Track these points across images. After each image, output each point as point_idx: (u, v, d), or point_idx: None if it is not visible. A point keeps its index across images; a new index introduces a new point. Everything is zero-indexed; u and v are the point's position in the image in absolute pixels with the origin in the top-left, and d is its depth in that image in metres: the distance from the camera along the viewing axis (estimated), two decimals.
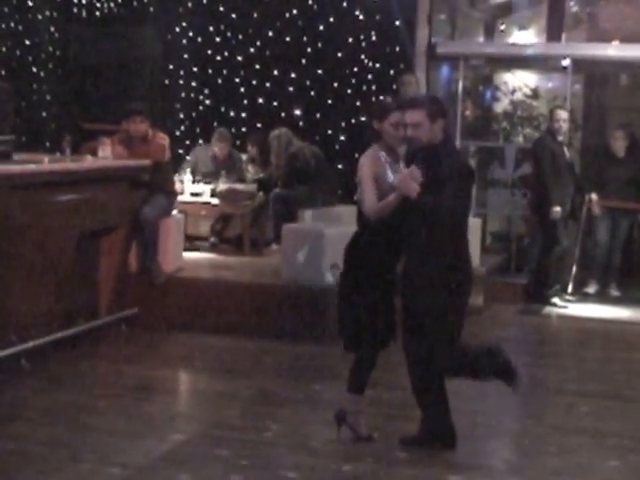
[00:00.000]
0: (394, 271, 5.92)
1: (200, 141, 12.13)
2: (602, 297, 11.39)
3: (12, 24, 12.94)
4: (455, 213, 5.71)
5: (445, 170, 5.63)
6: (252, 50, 12.48)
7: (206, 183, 11.09)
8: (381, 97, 6.36)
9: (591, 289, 11.53)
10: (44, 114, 12.98)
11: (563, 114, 11.09)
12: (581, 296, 11.28)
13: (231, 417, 6.60)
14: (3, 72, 12.00)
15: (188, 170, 11.13)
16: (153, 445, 5.92)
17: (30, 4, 12.95)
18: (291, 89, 12.36)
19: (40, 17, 12.98)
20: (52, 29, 13.03)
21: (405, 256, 5.87)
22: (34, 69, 13.01)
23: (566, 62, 12.21)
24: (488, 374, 6.03)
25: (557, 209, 10.75)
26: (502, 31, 14.24)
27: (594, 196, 11.27)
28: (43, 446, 5.87)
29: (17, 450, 5.79)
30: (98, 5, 12.92)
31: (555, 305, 10.90)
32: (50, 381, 7.24)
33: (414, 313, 5.82)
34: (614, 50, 12.22)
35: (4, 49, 12.71)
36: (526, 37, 13.82)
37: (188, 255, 10.19)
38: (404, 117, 5.78)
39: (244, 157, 11.68)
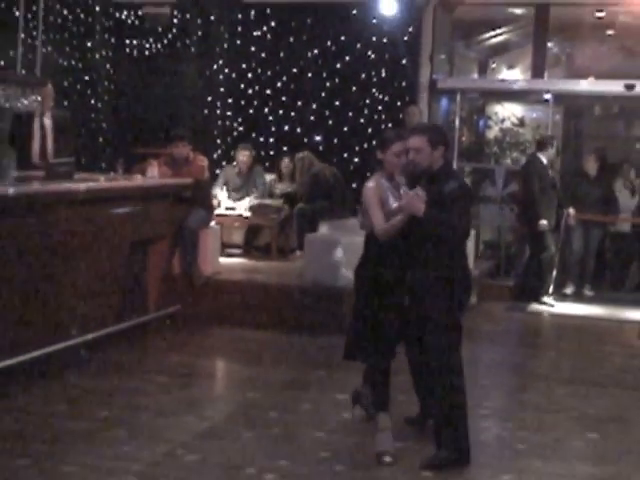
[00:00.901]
0: (400, 286, 5.50)
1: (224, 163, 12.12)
2: (578, 297, 11.36)
3: (73, 62, 12.95)
4: (459, 230, 5.39)
5: (448, 192, 5.31)
6: (279, 84, 12.49)
7: (235, 200, 11.07)
8: (387, 128, 5.86)
9: (568, 290, 11.49)
10: (100, 139, 13.00)
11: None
12: (560, 296, 11.24)
13: (261, 399, 6.60)
14: (65, 103, 12.00)
15: (224, 188, 11.14)
16: (194, 423, 5.92)
17: (89, 45, 12.98)
18: (312, 118, 12.36)
19: (97, 56, 13.01)
20: (107, 66, 13.05)
21: (411, 271, 5.49)
22: (92, 101, 13.02)
23: (548, 96, 12.19)
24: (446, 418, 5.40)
25: (544, 222, 10.74)
26: (493, 69, 14.27)
27: (571, 210, 11.23)
28: (101, 424, 5.87)
29: (78, 429, 5.79)
30: (147, 46, 12.94)
31: (546, 304, 10.85)
32: (106, 368, 7.24)
33: (424, 325, 5.42)
34: (589, 85, 12.19)
35: (66, 83, 12.73)
36: (514, 74, 13.84)
37: (224, 260, 10.20)
38: (405, 145, 5.45)
39: (267, 177, 11.60)
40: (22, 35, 10.23)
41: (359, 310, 5.64)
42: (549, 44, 12.91)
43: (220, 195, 11.03)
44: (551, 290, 11.15)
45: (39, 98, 9.70)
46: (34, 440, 5.54)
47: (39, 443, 5.49)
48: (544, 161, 10.94)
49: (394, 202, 5.47)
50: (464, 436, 5.34)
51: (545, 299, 10.93)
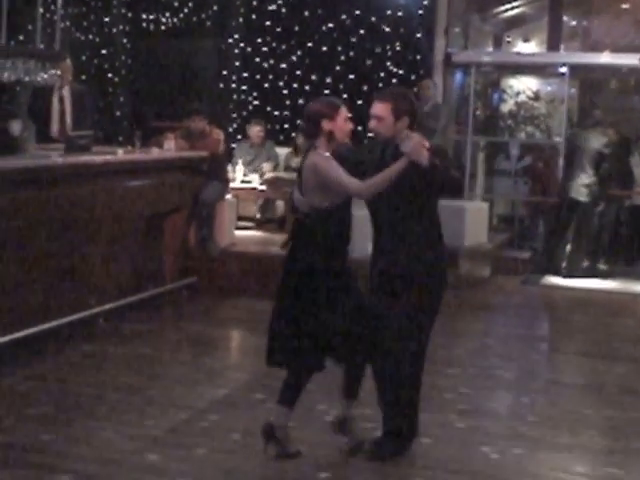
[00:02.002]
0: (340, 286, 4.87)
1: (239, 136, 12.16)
2: (592, 271, 11.38)
3: (90, 37, 13.02)
4: (463, 185, 4.88)
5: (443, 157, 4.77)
6: (294, 58, 12.50)
7: (250, 172, 11.12)
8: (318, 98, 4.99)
9: (583, 264, 11.51)
10: (118, 113, 13.07)
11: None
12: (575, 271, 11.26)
13: (276, 369, 6.68)
14: (83, 77, 12.06)
15: (240, 161, 11.20)
16: (211, 391, 6.02)
17: (106, 20, 13.03)
18: (327, 92, 12.37)
19: (114, 30, 13.06)
20: (125, 40, 13.10)
21: (389, 252, 4.97)
22: (109, 75, 13.09)
23: (563, 69, 12.15)
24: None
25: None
26: (508, 42, 14.20)
27: None
28: (120, 392, 5.98)
29: (99, 395, 5.91)
30: (164, 20, 12.96)
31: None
32: (124, 338, 7.35)
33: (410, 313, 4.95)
34: (605, 58, 12.14)
35: (84, 58, 12.79)
36: (529, 47, 13.78)
37: (239, 232, 10.27)
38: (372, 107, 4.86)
39: (282, 150, 11.61)
40: (41, 10, 10.29)
41: (288, 309, 4.88)
42: (565, 17, 12.86)
43: (236, 168, 11.09)
44: (564, 264, 11.17)
45: (58, 72, 9.77)
46: (53, 407, 5.66)
47: (58, 410, 5.60)
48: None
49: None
50: (412, 424, 5.07)
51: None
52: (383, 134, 4.85)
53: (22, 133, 8.96)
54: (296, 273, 4.88)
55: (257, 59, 12.64)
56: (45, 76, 9.69)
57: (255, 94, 12.67)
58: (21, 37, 11.48)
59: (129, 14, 13.08)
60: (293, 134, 11.79)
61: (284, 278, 4.96)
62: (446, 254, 5.10)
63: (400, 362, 4.94)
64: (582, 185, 10.86)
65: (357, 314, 4.87)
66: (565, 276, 10.92)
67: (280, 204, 11.30)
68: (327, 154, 4.80)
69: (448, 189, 4.93)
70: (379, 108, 4.82)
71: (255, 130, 11.31)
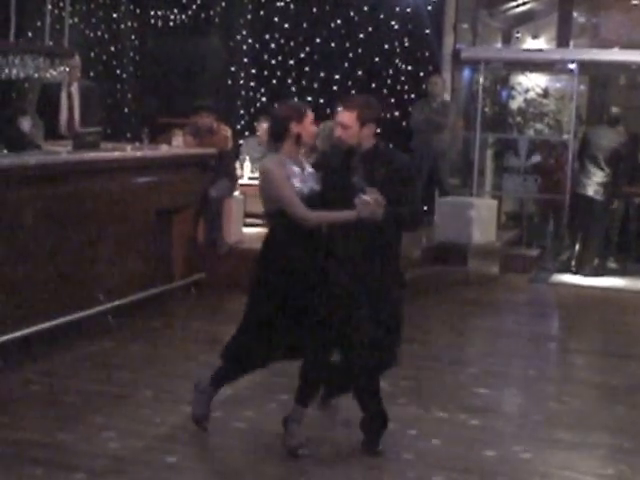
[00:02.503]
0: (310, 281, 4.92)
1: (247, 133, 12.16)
2: (602, 269, 11.36)
3: (99, 33, 13.03)
4: (421, 217, 5.16)
5: (398, 170, 4.96)
6: (302, 55, 12.50)
7: (255, 170, 11.09)
8: (287, 101, 5.06)
9: (593, 262, 11.48)
10: (126, 110, 13.08)
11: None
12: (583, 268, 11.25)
13: (283, 367, 6.65)
14: (92, 74, 12.08)
15: (247, 158, 11.20)
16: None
17: (114, 16, 13.05)
18: (335, 88, 12.37)
19: (123, 27, 13.08)
20: (133, 37, 13.12)
21: (362, 261, 4.98)
22: (117, 71, 13.11)
23: (573, 65, 12.12)
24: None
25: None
26: (517, 38, 14.19)
27: None
28: (130, 389, 6.01)
29: (108, 392, 5.93)
30: (171, 17, 12.97)
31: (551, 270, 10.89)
32: (132, 334, 7.36)
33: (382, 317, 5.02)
34: (615, 55, 12.13)
35: (92, 54, 12.81)
36: (538, 43, 13.77)
37: (247, 229, 10.28)
38: (338, 115, 4.98)
39: None
40: (49, 6, 10.28)
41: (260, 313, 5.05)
42: (574, 13, 12.84)
43: (244, 165, 11.09)
44: (573, 262, 11.16)
45: (66, 69, 9.78)
46: (62, 403, 5.68)
47: (69, 407, 5.62)
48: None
49: (301, 185, 4.91)
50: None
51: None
52: (348, 142, 4.94)
53: (31, 129, 9.00)
54: (262, 272, 5.05)
55: (265, 56, 12.63)
56: (54, 73, 9.68)
57: (263, 91, 12.67)
58: (30, 34, 11.49)
59: (137, 11, 13.09)
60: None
61: (252, 277, 5.13)
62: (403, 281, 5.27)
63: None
64: (597, 183, 10.82)
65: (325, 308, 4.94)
66: (575, 274, 10.91)
67: None
68: (287, 160, 4.90)
69: (402, 227, 5.07)
70: (345, 116, 4.92)
71: (264, 127, 11.30)
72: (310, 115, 4.97)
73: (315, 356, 4.98)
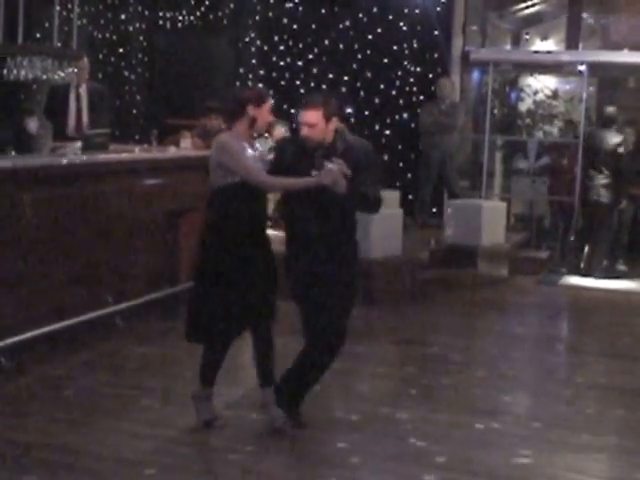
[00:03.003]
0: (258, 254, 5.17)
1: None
2: (611, 271, 11.34)
3: (107, 35, 13.07)
4: (380, 202, 5.23)
5: (360, 157, 5.12)
6: (310, 56, 12.50)
7: None
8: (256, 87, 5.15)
9: (602, 264, 11.47)
10: (134, 111, 13.11)
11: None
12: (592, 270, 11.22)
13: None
14: (100, 76, 12.10)
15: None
16: (227, 391, 5.95)
17: (122, 17, 13.07)
18: (344, 90, 12.38)
19: (131, 28, 13.11)
20: (141, 38, 13.14)
21: (320, 243, 5.14)
22: (126, 73, 13.13)
23: (582, 67, 12.11)
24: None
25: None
26: (527, 40, 14.17)
27: None
28: (138, 391, 6.01)
29: (116, 394, 5.94)
30: (180, 18, 13.00)
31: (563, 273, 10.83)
32: (140, 337, 7.37)
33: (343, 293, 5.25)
34: (624, 56, 12.11)
35: (101, 56, 12.84)
36: (547, 45, 13.75)
37: None
38: (301, 115, 5.08)
39: None
40: (58, 8, 10.31)
41: (208, 286, 5.15)
42: (584, 15, 12.82)
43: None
44: (583, 264, 11.13)
45: (75, 70, 9.80)
46: (71, 407, 5.69)
47: (77, 410, 5.63)
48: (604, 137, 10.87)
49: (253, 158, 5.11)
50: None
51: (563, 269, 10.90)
52: (315, 139, 5.07)
53: (38, 131, 9.01)
54: (208, 253, 5.14)
55: (274, 57, 12.65)
56: (62, 74, 9.71)
57: (271, 92, 12.64)
58: (38, 35, 11.52)
59: (146, 12, 13.12)
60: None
61: (197, 259, 5.25)
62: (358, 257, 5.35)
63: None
64: (599, 186, 10.81)
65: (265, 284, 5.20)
66: (584, 276, 10.89)
67: None
68: (238, 140, 5.05)
69: (362, 208, 5.27)
70: (312, 116, 5.06)
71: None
72: (269, 103, 5.14)
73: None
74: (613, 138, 10.86)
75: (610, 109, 11.23)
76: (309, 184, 4.97)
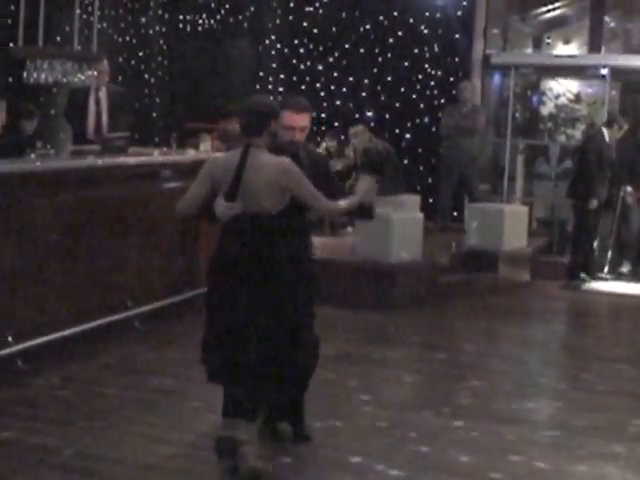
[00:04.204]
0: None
1: None
2: (634, 276, 11.23)
3: (127, 38, 13.10)
4: None
5: (328, 166, 5.24)
6: (331, 60, 12.49)
7: None
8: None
9: (625, 269, 11.35)
10: (154, 114, 13.13)
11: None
12: (616, 275, 11.12)
13: (315, 373, 6.65)
14: (120, 79, 12.12)
15: None
16: None
17: (143, 20, 13.10)
18: (364, 94, 12.35)
19: (151, 32, 13.13)
20: (161, 42, 13.16)
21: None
22: (146, 76, 13.15)
23: (604, 71, 12.03)
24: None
25: (594, 201, 10.52)
26: (548, 44, 14.09)
27: (628, 188, 11.08)
28: (157, 395, 5.99)
29: (135, 398, 5.92)
30: (200, 22, 13.01)
31: (584, 281, 10.69)
32: (159, 340, 7.34)
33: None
34: None
35: (121, 59, 12.86)
36: (569, 49, 13.66)
37: None
38: (294, 119, 4.91)
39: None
40: (78, 11, 10.31)
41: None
42: (606, 18, 12.73)
43: None
44: (607, 269, 11.03)
45: (95, 73, 9.81)
46: (90, 410, 5.67)
47: (95, 414, 5.60)
48: (607, 138, 10.76)
49: None
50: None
51: (583, 275, 10.75)
52: (301, 141, 4.95)
53: (59, 134, 9.04)
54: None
55: (294, 61, 12.63)
56: (82, 77, 9.71)
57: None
58: (58, 38, 11.55)
59: (166, 15, 13.14)
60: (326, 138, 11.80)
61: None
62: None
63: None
64: (608, 187, 10.70)
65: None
66: (607, 280, 10.80)
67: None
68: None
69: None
70: (303, 119, 4.92)
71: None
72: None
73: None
74: (613, 137, 10.75)
75: (609, 109, 11.14)
76: (354, 204, 4.94)
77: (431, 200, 11.56)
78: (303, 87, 12.55)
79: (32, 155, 8.40)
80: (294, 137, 4.90)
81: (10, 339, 6.17)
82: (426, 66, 12.10)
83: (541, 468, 5.06)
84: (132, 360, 6.80)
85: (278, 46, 12.70)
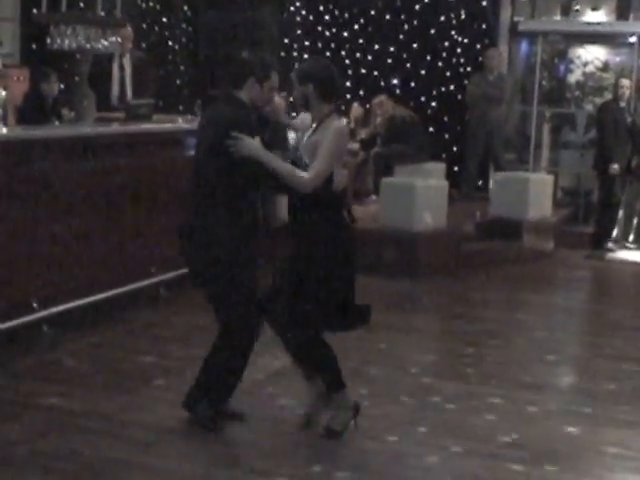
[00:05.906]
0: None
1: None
2: None
3: (151, 3, 13.07)
4: None
5: None
6: (356, 27, 12.43)
7: None
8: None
9: None
10: (178, 81, 13.13)
11: (626, 82, 10.84)
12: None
13: (333, 340, 6.68)
14: (144, 45, 12.12)
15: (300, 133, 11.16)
16: (268, 363, 5.96)
17: None
18: (390, 61, 12.29)
19: None
20: (185, 8, 13.13)
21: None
22: (170, 43, 13.14)
23: (633, 38, 11.93)
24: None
25: (615, 166, 10.45)
26: (577, 11, 13.91)
27: None
28: (181, 361, 6.05)
29: (159, 364, 6.00)
30: None
31: (611, 250, 10.66)
32: (184, 307, 7.35)
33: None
34: None
35: (144, 26, 12.85)
36: (598, 16, 13.51)
37: None
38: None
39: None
40: None
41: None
42: None
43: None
44: (632, 238, 10.98)
45: (118, 40, 9.82)
46: (114, 375, 5.75)
47: (119, 378, 5.69)
48: (622, 105, 10.68)
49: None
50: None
51: (610, 245, 10.70)
52: None
53: (83, 101, 9.06)
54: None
55: (319, 28, 12.58)
56: (106, 43, 9.73)
57: None
58: (81, 4, 11.56)
59: None
60: (355, 104, 11.77)
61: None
62: None
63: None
64: (625, 158, 10.62)
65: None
66: (631, 250, 10.76)
67: (342, 173, 11.25)
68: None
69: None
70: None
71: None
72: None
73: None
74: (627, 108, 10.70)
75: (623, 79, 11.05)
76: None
77: (456, 168, 11.54)
78: (328, 54, 12.50)
79: (56, 122, 8.46)
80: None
81: (35, 305, 6.25)
82: (452, 33, 12.02)
83: (565, 434, 5.10)
84: (158, 327, 6.88)
85: (303, 12, 12.65)
